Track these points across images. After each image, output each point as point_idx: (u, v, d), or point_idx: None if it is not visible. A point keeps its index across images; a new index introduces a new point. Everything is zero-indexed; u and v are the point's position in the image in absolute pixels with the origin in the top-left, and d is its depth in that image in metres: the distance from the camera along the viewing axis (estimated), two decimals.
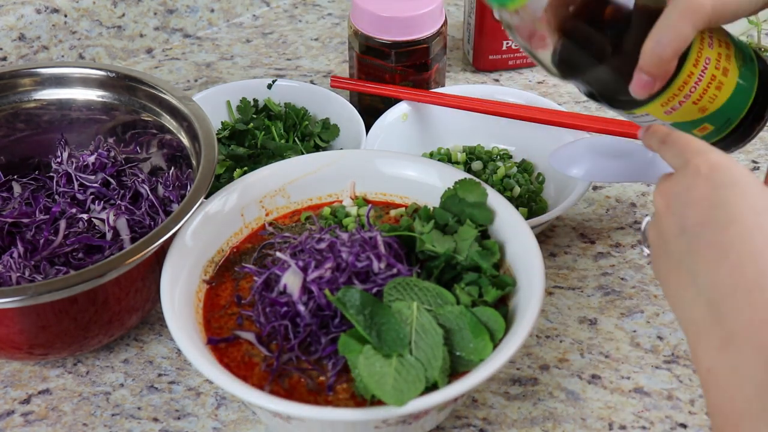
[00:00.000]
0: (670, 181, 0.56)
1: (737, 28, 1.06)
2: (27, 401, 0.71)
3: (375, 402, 0.60)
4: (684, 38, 0.58)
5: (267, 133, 0.88)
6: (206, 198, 0.71)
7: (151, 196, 0.77)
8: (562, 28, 0.59)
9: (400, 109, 0.87)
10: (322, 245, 0.68)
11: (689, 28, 0.58)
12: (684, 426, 0.68)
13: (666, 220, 0.55)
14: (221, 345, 0.66)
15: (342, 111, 0.89)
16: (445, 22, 0.89)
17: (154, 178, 0.79)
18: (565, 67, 0.62)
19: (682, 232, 0.53)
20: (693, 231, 0.53)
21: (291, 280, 0.65)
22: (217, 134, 0.86)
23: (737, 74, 0.61)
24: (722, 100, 0.62)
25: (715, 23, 0.59)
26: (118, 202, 0.77)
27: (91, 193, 0.78)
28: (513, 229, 0.69)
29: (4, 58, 0.96)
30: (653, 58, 0.58)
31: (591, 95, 0.64)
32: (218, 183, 0.81)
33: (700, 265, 0.52)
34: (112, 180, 0.79)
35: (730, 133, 0.64)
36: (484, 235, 0.71)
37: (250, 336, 0.66)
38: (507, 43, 1.00)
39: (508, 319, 0.65)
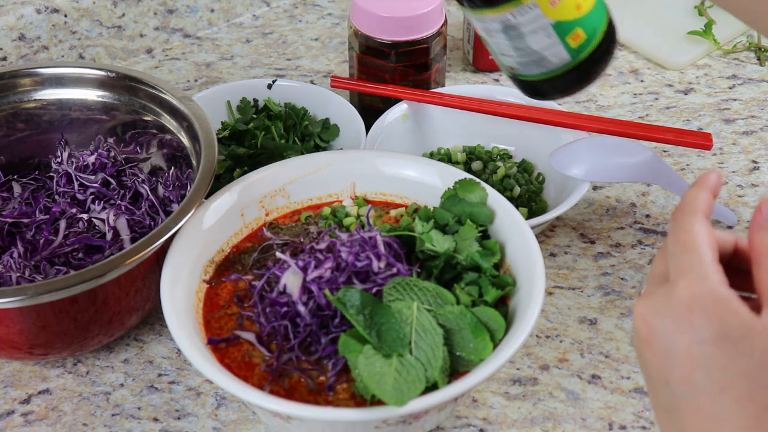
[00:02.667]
0: (652, 308, 0.50)
1: (737, 29, 1.06)
2: (27, 401, 0.71)
3: (375, 402, 0.60)
4: None
5: (267, 133, 0.88)
6: (206, 198, 0.71)
7: (151, 196, 0.77)
8: None
9: (400, 109, 0.87)
10: (322, 245, 0.68)
11: None
12: None
13: (648, 354, 0.50)
14: (221, 345, 0.66)
15: (342, 111, 0.89)
16: (445, 22, 0.89)
17: (154, 178, 0.79)
18: None
19: (666, 383, 0.49)
20: (678, 389, 0.49)
21: (291, 280, 0.65)
22: (217, 134, 0.86)
23: None
24: (592, 3, 0.65)
25: None
26: (118, 202, 0.77)
27: (91, 193, 0.78)
28: (513, 229, 0.69)
29: (4, 58, 0.96)
30: None
31: None
32: (218, 183, 0.81)
33: (688, 428, 0.48)
34: (112, 180, 0.79)
35: (594, 52, 0.67)
36: (484, 235, 0.71)
37: (250, 336, 0.66)
38: None
39: (508, 319, 0.65)
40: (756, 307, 0.49)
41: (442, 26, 0.88)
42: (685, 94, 0.99)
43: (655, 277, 0.52)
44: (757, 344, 0.47)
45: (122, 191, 0.78)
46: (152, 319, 0.76)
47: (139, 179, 0.79)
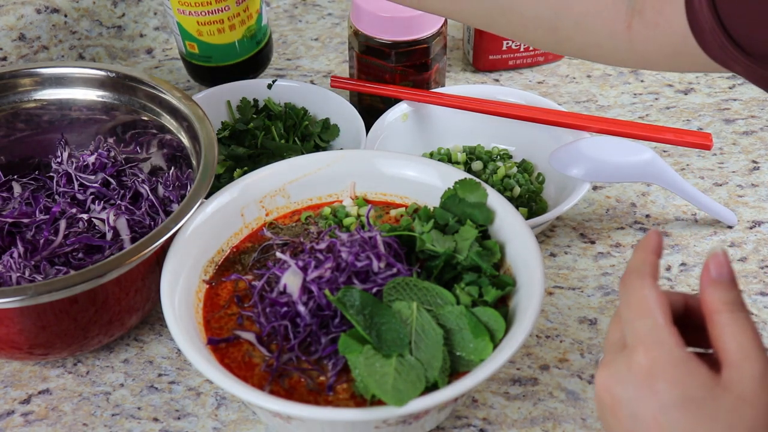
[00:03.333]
0: (613, 377, 0.50)
1: None
2: (27, 401, 0.71)
3: (375, 402, 0.60)
4: None
5: (267, 133, 0.88)
6: (206, 198, 0.71)
7: (151, 196, 0.77)
8: None
9: (400, 109, 0.87)
10: (322, 245, 0.68)
11: None
12: None
13: (614, 422, 0.50)
14: (221, 345, 0.66)
15: (342, 111, 0.89)
16: (445, 22, 0.89)
17: (154, 178, 0.79)
18: None
19: None
20: None
21: (291, 280, 0.65)
22: (217, 134, 0.86)
23: None
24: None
25: None
26: (118, 202, 0.77)
27: (91, 193, 0.78)
28: (513, 229, 0.69)
29: (4, 58, 0.96)
30: None
31: None
32: (218, 183, 0.81)
33: None
34: (112, 180, 0.79)
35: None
36: (484, 235, 0.71)
37: (250, 336, 0.66)
38: (507, 43, 1.00)
39: (508, 319, 0.65)
40: (713, 362, 0.49)
41: (442, 26, 0.89)
42: (685, 94, 0.99)
43: (613, 345, 0.52)
44: (721, 405, 0.47)
45: (122, 191, 0.78)
46: (152, 319, 0.76)
47: (139, 179, 0.79)
